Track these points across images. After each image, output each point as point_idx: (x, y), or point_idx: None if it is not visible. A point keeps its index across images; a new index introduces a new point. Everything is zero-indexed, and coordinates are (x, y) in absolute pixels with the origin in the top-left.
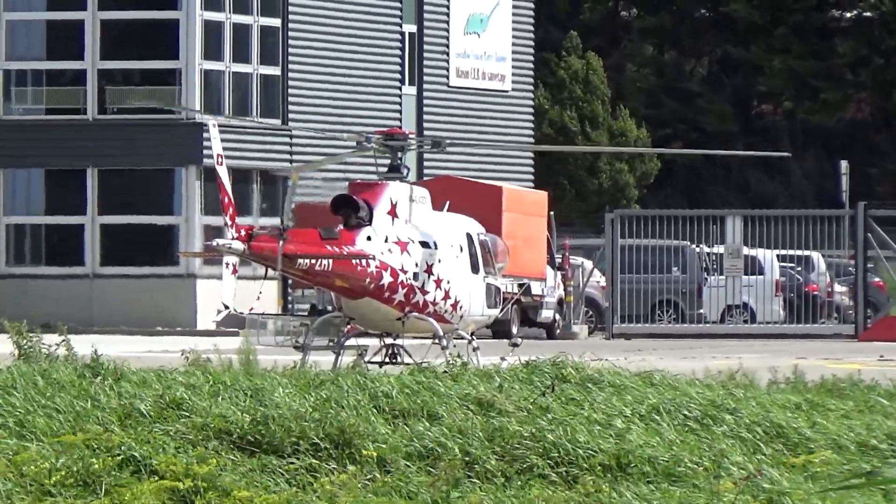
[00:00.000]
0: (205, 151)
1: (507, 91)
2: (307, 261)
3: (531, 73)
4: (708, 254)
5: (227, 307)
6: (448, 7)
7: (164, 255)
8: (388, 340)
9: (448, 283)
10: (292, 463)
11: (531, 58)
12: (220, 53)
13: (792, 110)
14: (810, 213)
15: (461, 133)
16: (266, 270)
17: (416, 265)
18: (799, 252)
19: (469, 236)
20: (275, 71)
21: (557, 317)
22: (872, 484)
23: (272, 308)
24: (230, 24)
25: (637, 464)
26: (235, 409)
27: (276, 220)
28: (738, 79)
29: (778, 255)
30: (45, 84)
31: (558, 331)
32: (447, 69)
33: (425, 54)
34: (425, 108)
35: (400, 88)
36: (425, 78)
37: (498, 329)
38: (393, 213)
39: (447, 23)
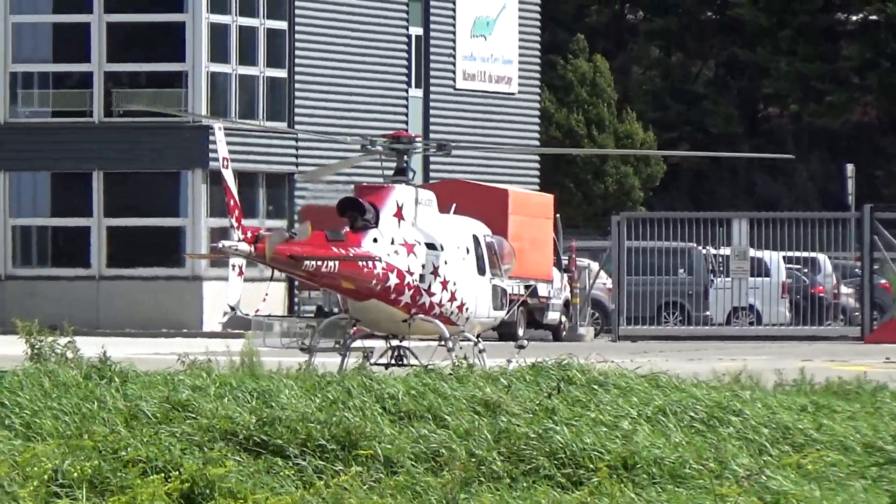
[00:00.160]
0: (211, 154)
1: (513, 94)
2: (313, 262)
3: (538, 75)
4: (714, 256)
5: (233, 309)
6: (454, 10)
7: (170, 257)
8: (395, 342)
9: (454, 284)
10: (298, 464)
11: (537, 60)
12: (227, 56)
13: (798, 113)
14: (816, 216)
15: (467, 136)
16: (272, 272)
17: (423, 267)
18: (805, 254)
19: (475, 238)
20: (281, 74)
21: (563, 319)
22: None
23: (278, 310)
24: (236, 27)
25: (643, 465)
26: (241, 410)
27: (281, 223)
28: (744, 81)
29: (784, 257)
30: (51, 87)
31: (564, 333)
32: (454, 72)
33: (432, 57)
34: (432, 111)
35: (406, 91)
36: (432, 80)
37: (504, 331)
38: (399, 215)
39: (453, 25)
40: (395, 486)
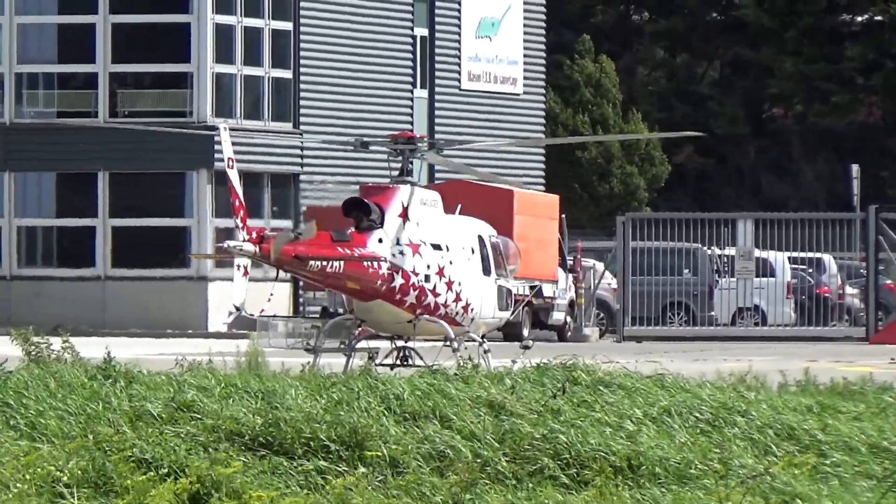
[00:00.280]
0: (216, 154)
1: (518, 94)
2: (319, 263)
3: (543, 76)
4: (719, 256)
5: (238, 309)
6: (460, 11)
7: (175, 257)
8: (399, 343)
9: (459, 285)
10: (303, 465)
11: (543, 61)
12: (232, 57)
13: (803, 113)
14: (821, 216)
15: (473, 136)
16: (277, 272)
17: (428, 267)
18: (810, 254)
19: (480, 239)
20: (286, 74)
21: (569, 319)
22: None
23: (283, 310)
24: (242, 28)
25: (648, 466)
26: (246, 411)
27: (287, 223)
28: (749, 82)
29: (789, 258)
30: (56, 87)
31: (569, 333)
32: (459, 73)
33: (437, 58)
34: (437, 112)
35: (411, 92)
36: (437, 81)
37: (509, 331)
38: (404, 215)
39: (459, 26)
40: (401, 486)
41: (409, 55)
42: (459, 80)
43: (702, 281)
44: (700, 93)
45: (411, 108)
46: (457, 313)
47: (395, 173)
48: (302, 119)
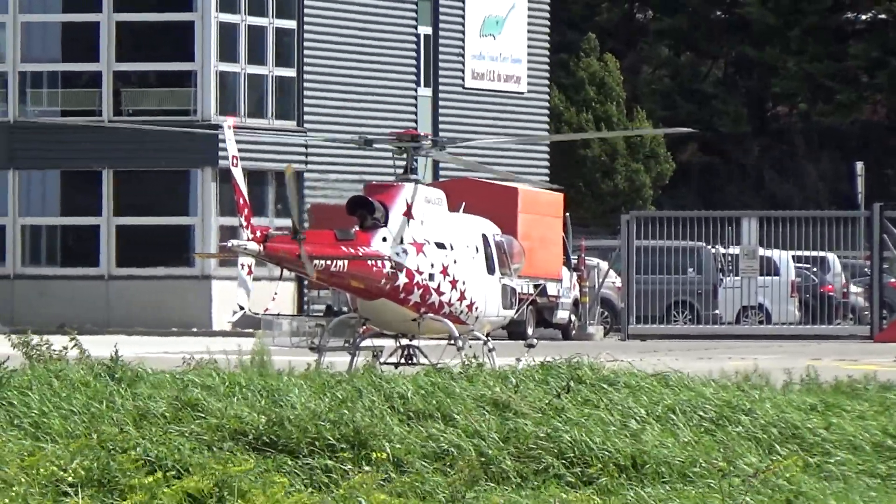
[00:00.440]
0: (220, 153)
1: (522, 93)
2: (323, 262)
3: (546, 74)
4: (723, 255)
5: (242, 308)
6: (463, 9)
7: (179, 256)
8: (404, 341)
9: (464, 283)
10: (307, 464)
11: (546, 60)
12: (236, 55)
13: (807, 112)
14: (826, 215)
15: (477, 135)
16: (281, 271)
17: (432, 266)
18: (814, 253)
19: (485, 237)
20: (290, 73)
21: (573, 317)
22: None
23: (287, 309)
24: (245, 26)
25: (652, 464)
26: (251, 410)
27: (290, 222)
28: (753, 80)
29: (793, 256)
30: (60, 86)
31: (574, 332)
32: (462, 71)
33: (441, 56)
34: (441, 110)
35: (415, 90)
36: (441, 80)
37: (513, 330)
38: (408, 214)
39: (462, 25)
40: (405, 485)
41: (413, 53)
42: (463, 79)
43: (706, 279)
44: (704, 91)
45: (415, 106)
46: (461, 312)
47: (400, 171)
48: (306, 117)
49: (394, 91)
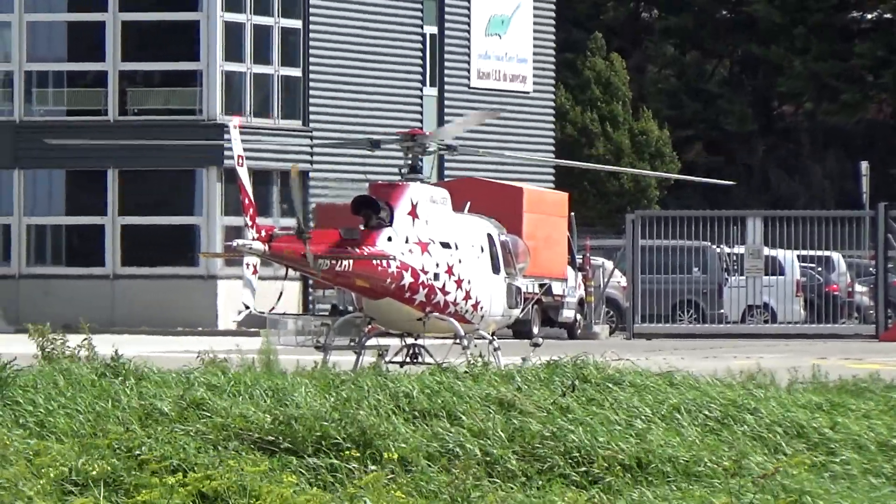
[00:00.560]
0: (225, 152)
1: (528, 92)
2: (328, 261)
3: (552, 74)
4: (728, 254)
5: (247, 307)
6: (469, 8)
7: (184, 255)
8: (409, 340)
9: (469, 283)
10: (313, 463)
11: (552, 59)
12: (242, 55)
13: (812, 111)
14: (831, 214)
15: (482, 134)
16: (286, 271)
17: (437, 265)
18: (819, 252)
19: (490, 237)
20: (296, 72)
21: (578, 317)
22: None
23: (293, 308)
24: (251, 26)
25: (657, 464)
26: (256, 409)
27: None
28: (759, 79)
29: (798, 256)
30: (66, 85)
31: (579, 331)
32: (468, 70)
33: (446, 55)
34: (446, 110)
35: (421, 90)
36: (446, 79)
37: (519, 329)
38: (413, 213)
39: (468, 24)
40: (409, 484)
41: (419, 53)
42: (469, 78)
43: (711, 279)
44: (709, 90)
45: (421, 105)
46: (466, 311)
47: (405, 171)
48: (311, 117)
49: (399, 90)
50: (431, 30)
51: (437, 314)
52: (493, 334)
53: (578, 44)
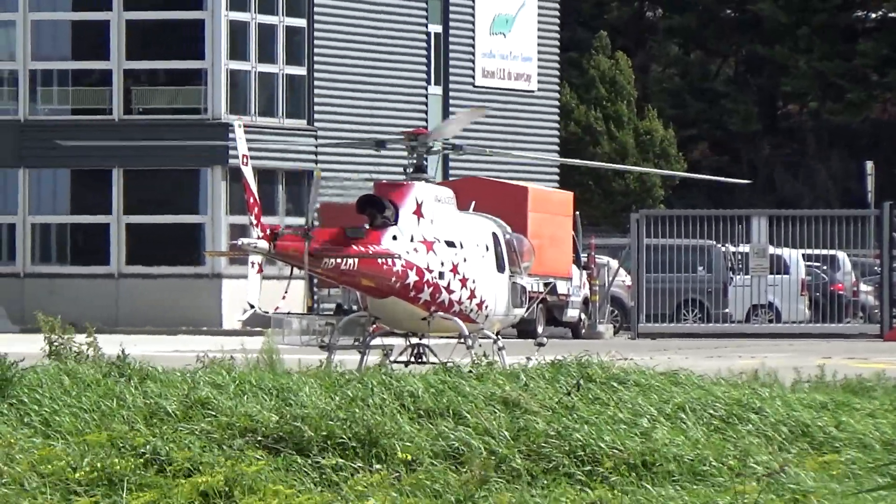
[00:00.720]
0: (230, 151)
1: (532, 91)
2: (333, 260)
3: (557, 73)
4: (733, 253)
5: (252, 307)
6: (473, 7)
7: (189, 254)
8: (414, 340)
9: (474, 282)
10: (318, 462)
11: (557, 58)
12: (246, 54)
13: (817, 110)
14: (836, 213)
15: (486, 133)
16: (291, 270)
17: (442, 264)
18: (824, 251)
19: (495, 236)
20: (300, 71)
21: (583, 316)
22: None
23: (298, 307)
24: (256, 25)
25: (663, 463)
26: (261, 408)
27: (301, 220)
28: (764, 79)
29: (803, 255)
30: (70, 84)
31: (584, 330)
32: (473, 69)
33: (451, 54)
34: (451, 109)
35: (426, 88)
36: (451, 78)
37: (523, 328)
38: (418, 212)
39: (473, 23)
40: (415, 483)
41: (423, 52)
42: (473, 77)
43: (716, 278)
44: (714, 90)
45: (425, 104)
46: (471, 310)
47: (410, 170)
48: (316, 116)
49: (404, 89)
50: (436, 29)
51: (441, 313)
52: (497, 333)
53: (583, 43)
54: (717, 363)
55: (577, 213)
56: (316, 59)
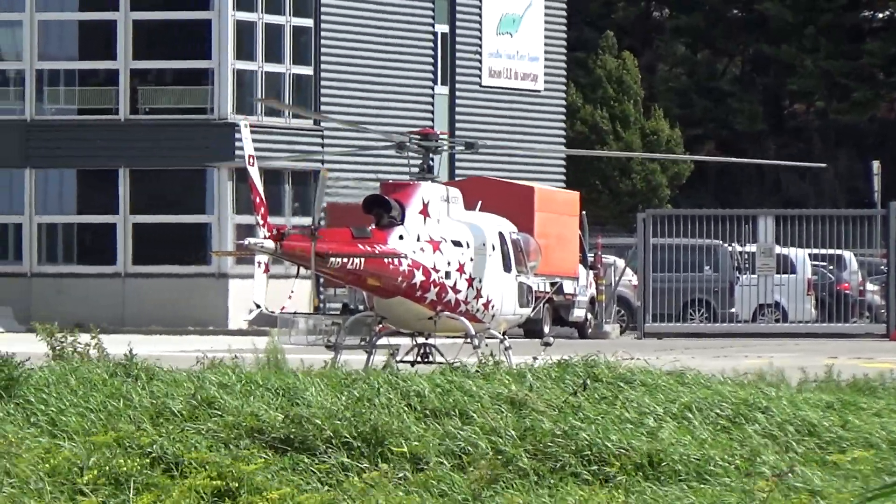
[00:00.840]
0: (237, 151)
1: (539, 91)
2: (339, 260)
3: (563, 72)
4: (740, 253)
5: (258, 306)
6: (480, 7)
7: (195, 254)
8: (420, 340)
9: (480, 282)
10: (324, 461)
11: (563, 58)
12: (253, 53)
13: (824, 110)
14: (842, 213)
15: (493, 133)
16: (298, 269)
17: (448, 264)
18: (831, 251)
19: (501, 235)
20: (307, 71)
21: (589, 316)
22: None
23: (304, 307)
24: (262, 24)
25: (669, 462)
26: (267, 407)
27: (308, 220)
28: (770, 78)
29: (810, 255)
30: (77, 84)
31: (590, 330)
32: (479, 69)
33: (458, 54)
34: (457, 108)
35: (432, 88)
36: (458, 78)
37: (530, 328)
38: (425, 212)
39: (479, 23)
40: (421, 482)
41: (430, 52)
42: (480, 77)
43: (723, 278)
44: (721, 89)
45: (432, 104)
46: (477, 310)
47: (415, 170)
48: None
49: (410, 89)
50: (443, 28)
51: (447, 313)
52: (504, 333)
53: (590, 42)
54: (724, 363)
55: (584, 212)
56: (323, 59)
